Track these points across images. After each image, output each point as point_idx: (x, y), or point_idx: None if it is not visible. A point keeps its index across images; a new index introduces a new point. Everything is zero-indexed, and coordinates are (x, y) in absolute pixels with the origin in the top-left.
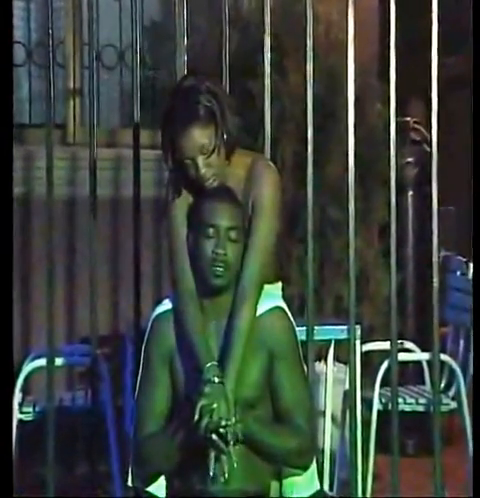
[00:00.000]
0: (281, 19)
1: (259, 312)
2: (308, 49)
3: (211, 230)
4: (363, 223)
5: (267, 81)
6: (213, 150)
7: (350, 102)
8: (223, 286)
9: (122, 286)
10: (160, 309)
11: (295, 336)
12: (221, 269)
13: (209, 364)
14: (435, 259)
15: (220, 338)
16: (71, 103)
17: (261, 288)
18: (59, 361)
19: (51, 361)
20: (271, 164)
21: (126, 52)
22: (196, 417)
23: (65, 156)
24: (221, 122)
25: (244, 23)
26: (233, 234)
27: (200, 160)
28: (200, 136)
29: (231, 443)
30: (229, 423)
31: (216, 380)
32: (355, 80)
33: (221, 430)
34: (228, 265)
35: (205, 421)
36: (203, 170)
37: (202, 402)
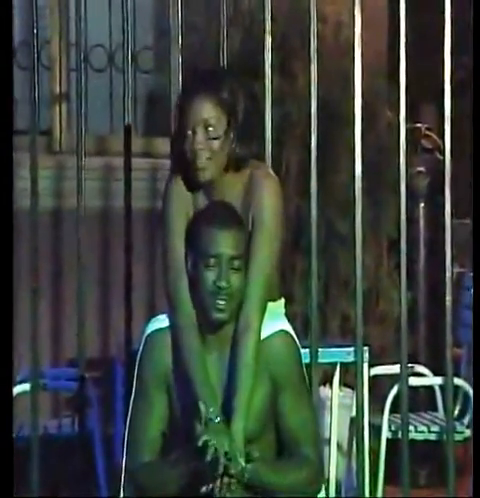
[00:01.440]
0: (288, 18)
1: (262, 336)
2: (312, 50)
3: (212, 260)
4: (371, 237)
5: (267, 83)
6: (216, 138)
7: (357, 107)
8: (225, 320)
9: (112, 304)
10: (155, 325)
11: (301, 362)
12: (223, 302)
13: (211, 409)
14: (448, 275)
15: (224, 370)
16: (57, 108)
17: (264, 311)
18: (44, 385)
19: (35, 385)
20: (272, 173)
21: (116, 53)
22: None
23: (51, 165)
24: (233, 122)
25: (246, 21)
26: (236, 263)
27: (200, 131)
28: (208, 108)
29: (236, 480)
30: (236, 465)
31: (217, 419)
32: (362, 83)
33: (228, 469)
34: (231, 297)
35: (210, 459)
36: (199, 145)
37: (205, 439)
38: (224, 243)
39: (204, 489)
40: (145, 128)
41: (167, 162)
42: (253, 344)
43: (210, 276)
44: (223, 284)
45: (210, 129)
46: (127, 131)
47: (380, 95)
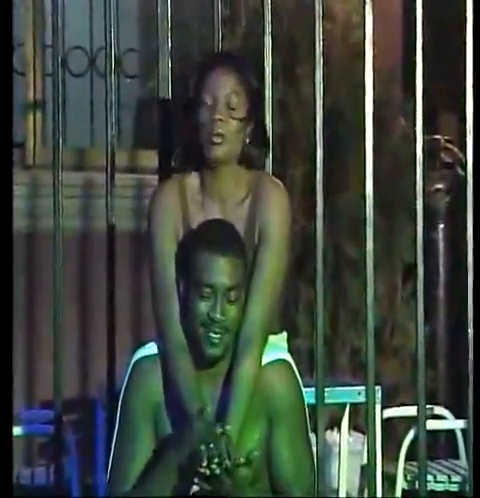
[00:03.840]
0: (291, 17)
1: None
2: (318, 53)
3: (207, 290)
4: (384, 262)
5: (268, 91)
6: (236, 118)
7: (368, 116)
8: (219, 356)
9: (93, 338)
10: (143, 352)
11: (301, 395)
12: (218, 336)
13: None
14: (471, 305)
15: (216, 404)
16: (31, 117)
17: (267, 334)
18: (16, 430)
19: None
20: (278, 182)
21: (98, 56)
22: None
23: (24, 181)
24: (253, 114)
25: (243, 20)
26: (233, 294)
27: (222, 103)
28: (234, 82)
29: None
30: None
31: (219, 430)
32: (374, 90)
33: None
34: (226, 331)
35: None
36: (219, 115)
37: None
38: (220, 272)
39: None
40: (130, 140)
41: (155, 178)
42: (252, 367)
43: (203, 307)
44: (218, 317)
45: (232, 106)
46: (110, 143)
47: (394, 103)
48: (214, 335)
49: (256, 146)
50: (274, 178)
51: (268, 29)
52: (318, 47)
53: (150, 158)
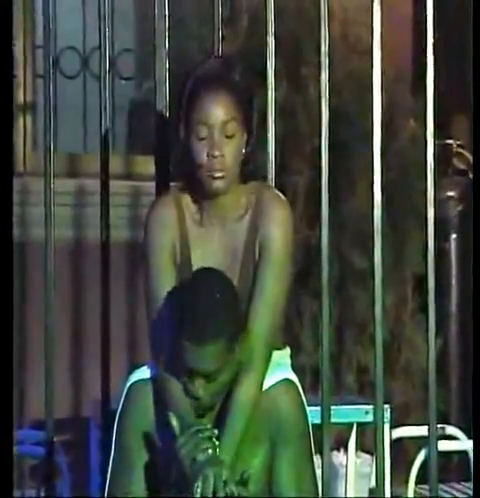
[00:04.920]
0: (295, 15)
1: (264, 387)
2: (323, 53)
3: (187, 370)
4: (393, 273)
5: (270, 93)
6: (234, 138)
7: (376, 119)
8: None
9: (86, 354)
10: (138, 375)
11: (305, 417)
12: (195, 404)
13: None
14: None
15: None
16: (21, 121)
17: (269, 355)
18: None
19: None
20: (280, 195)
21: (92, 56)
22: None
23: (14, 188)
24: (249, 122)
25: (245, 19)
26: (214, 376)
27: (217, 134)
28: (228, 107)
29: None
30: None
31: (210, 451)
32: (382, 91)
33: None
34: (203, 403)
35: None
36: (217, 151)
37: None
38: (202, 359)
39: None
40: (125, 145)
41: (151, 185)
42: (253, 389)
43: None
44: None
45: (229, 134)
46: (104, 148)
47: (403, 105)
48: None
49: (254, 156)
50: (276, 191)
51: (271, 29)
52: (323, 46)
53: (146, 164)
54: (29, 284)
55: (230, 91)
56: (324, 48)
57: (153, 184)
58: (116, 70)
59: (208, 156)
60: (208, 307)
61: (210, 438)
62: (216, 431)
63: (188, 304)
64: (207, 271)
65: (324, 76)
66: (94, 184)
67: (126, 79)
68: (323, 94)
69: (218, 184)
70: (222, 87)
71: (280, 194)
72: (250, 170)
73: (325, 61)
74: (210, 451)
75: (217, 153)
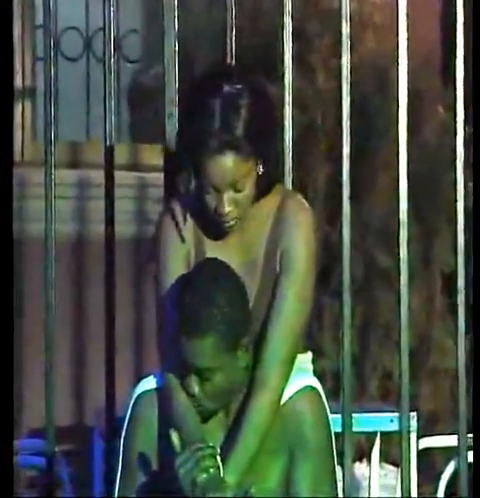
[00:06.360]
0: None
1: (284, 397)
2: (344, 37)
3: (184, 365)
4: (421, 272)
5: (287, 80)
6: (243, 190)
7: (401, 108)
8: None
9: (89, 358)
10: (146, 385)
11: (328, 426)
12: (195, 404)
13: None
14: None
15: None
16: (19, 107)
17: (289, 371)
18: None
19: None
20: (306, 204)
21: (95, 37)
22: None
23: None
24: (265, 148)
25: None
26: (207, 374)
27: (226, 195)
28: (236, 168)
29: None
30: None
31: (211, 471)
32: (408, 78)
33: None
34: (199, 402)
35: None
36: (227, 209)
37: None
38: (198, 355)
39: None
40: (131, 133)
41: (159, 177)
42: (267, 405)
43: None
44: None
45: (239, 188)
46: (109, 137)
47: (431, 92)
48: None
49: (268, 171)
50: (300, 197)
51: (288, 8)
52: (344, 27)
53: (154, 154)
54: (28, 284)
55: (238, 145)
56: (346, 29)
57: (161, 175)
58: (121, 52)
59: (218, 211)
60: (203, 299)
61: (212, 456)
62: (218, 449)
63: (184, 296)
64: (207, 262)
65: (345, 60)
66: (97, 175)
67: (132, 62)
68: (344, 80)
69: (230, 226)
70: (229, 143)
71: (304, 201)
72: (268, 183)
73: (347, 45)
74: (212, 470)
75: (227, 210)
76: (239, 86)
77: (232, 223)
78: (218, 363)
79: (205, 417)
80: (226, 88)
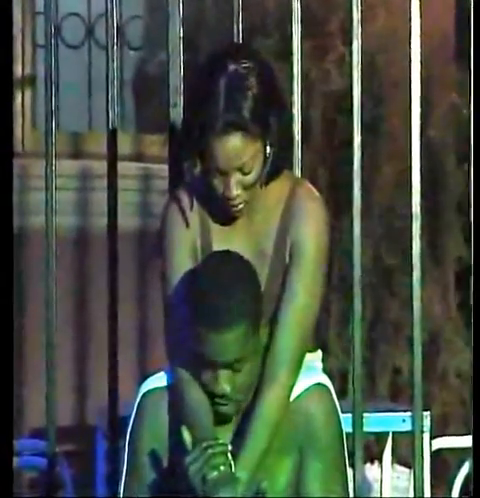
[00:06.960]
0: None
1: (294, 394)
2: (355, 22)
3: (209, 363)
4: (433, 267)
5: (296, 68)
6: (250, 170)
7: (414, 97)
8: (229, 416)
9: (92, 355)
10: (152, 384)
11: (339, 424)
12: (223, 402)
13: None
14: None
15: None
16: (19, 96)
17: (298, 368)
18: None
19: None
20: (316, 193)
21: (97, 24)
22: None
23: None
24: (272, 130)
25: None
26: (238, 366)
27: (234, 178)
28: (243, 149)
29: None
30: None
31: (222, 468)
32: (422, 64)
33: None
34: (231, 398)
35: None
36: (234, 192)
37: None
38: (223, 349)
39: None
40: (135, 123)
41: (164, 168)
42: (277, 400)
43: (205, 378)
44: (219, 390)
45: (247, 171)
46: (111, 127)
47: (445, 78)
48: (220, 404)
49: (280, 153)
50: (310, 186)
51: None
52: (355, 12)
53: (158, 144)
54: (28, 278)
55: (242, 131)
56: (357, 15)
57: (165, 166)
58: (124, 39)
59: (225, 195)
60: (226, 289)
61: (223, 453)
62: (230, 446)
63: (203, 288)
64: (219, 253)
65: (356, 45)
66: (100, 166)
67: (135, 49)
68: (355, 66)
69: (238, 211)
70: (232, 129)
71: (314, 190)
72: (277, 166)
73: (358, 30)
74: (223, 468)
75: (235, 193)
76: (246, 65)
77: (241, 207)
78: (247, 351)
79: (230, 416)
80: (232, 67)
